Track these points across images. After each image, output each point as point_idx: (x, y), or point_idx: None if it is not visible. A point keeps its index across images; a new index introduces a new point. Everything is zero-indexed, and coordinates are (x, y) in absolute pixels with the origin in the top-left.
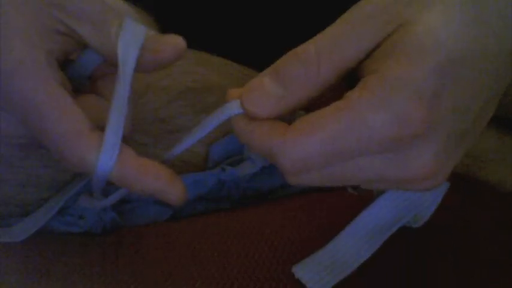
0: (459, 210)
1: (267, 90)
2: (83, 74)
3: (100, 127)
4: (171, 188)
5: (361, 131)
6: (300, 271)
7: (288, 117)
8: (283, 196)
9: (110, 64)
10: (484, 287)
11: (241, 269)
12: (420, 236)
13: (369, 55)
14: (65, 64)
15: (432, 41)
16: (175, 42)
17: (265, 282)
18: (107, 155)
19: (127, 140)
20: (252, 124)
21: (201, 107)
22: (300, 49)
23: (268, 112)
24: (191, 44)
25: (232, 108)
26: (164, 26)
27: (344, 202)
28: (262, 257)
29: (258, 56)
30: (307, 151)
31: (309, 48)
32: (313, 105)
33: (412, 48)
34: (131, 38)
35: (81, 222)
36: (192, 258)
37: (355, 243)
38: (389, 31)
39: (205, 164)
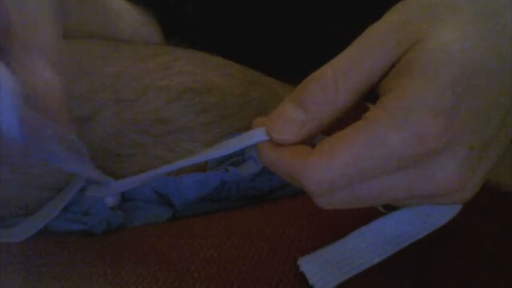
0: (460, 211)
1: (290, 116)
2: None
3: None
4: None
5: (381, 150)
6: (305, 265)
7: (310, 141)
8: (283, 196)
9: None
10: None
11: (241, 269)
12: (423, 238)
13: (386, 74)
14: None
15: (445, 55)
16: None
17: (265, 282)
18: None
19: (125, 139)
20: (277, 150)
21: (202, 107)
22: (318, 73)
23: (292, 137)
24: (191, 44)
25: (258, 135)
26: (165, 26)
27: None
28: (262, 257)
29: (259, 56)
30: (331, 173)
31: (326, 71)
32: (335, 126)
33: (426, 64)
34: None
35: (86, 219)
36: (192, 258)
37: (365, 247)
38: (404, 49)
39: (206, 165)
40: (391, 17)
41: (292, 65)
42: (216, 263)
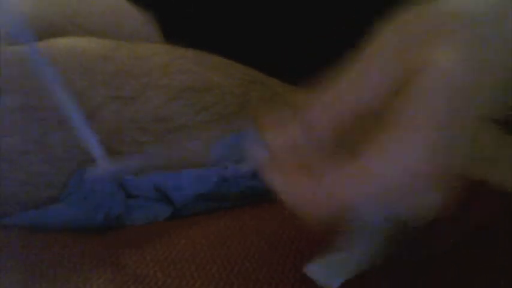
0: (460, 212)
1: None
2: None
3: None
4: None
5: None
6: (312, 272)
7: None
8: None
9: None
10: None
11: (241, 269)
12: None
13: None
14: None
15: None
16: None
17: (265, 282)
18: None
19: (125, 137)
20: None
21: (201, 106)
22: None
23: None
24: (191, 44)
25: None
26: (164, 26)
27: None
28: (262, 257)
29: (259, 56)
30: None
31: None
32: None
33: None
34: None
35: (86, 204)
36: (192, 258)
37: (364, 244)
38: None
39: (206, 163)
40: (379, 48)
41: (292, 65)
42: (216, 263)
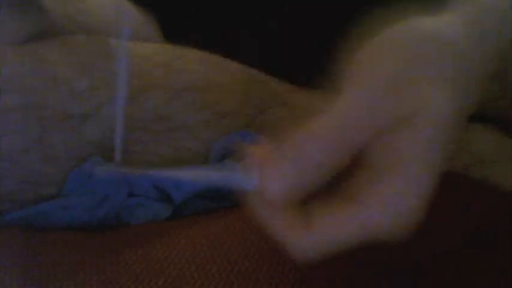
0: (458, 211)
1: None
2: None
3: None
4: None
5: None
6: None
7: None
8: None
9: None
10: None
11: (241, 269)
12: (425, 242)
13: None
14: None
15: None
16: None
17: (265, 282)
18: None
19: (127, 137)
20: (271, 212)
21: (201, 105)
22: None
23: (279, 191)
24: (191, 44)
25: (248, 184)
26: (164, 26)
27: None
28: (262, 257)
29: (259, 55)
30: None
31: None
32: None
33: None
34: None
35: (89, 198)
36: (192, 258)
37: None
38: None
39: (205, 162)
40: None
41: (291, 64)
42: (216, 262)
